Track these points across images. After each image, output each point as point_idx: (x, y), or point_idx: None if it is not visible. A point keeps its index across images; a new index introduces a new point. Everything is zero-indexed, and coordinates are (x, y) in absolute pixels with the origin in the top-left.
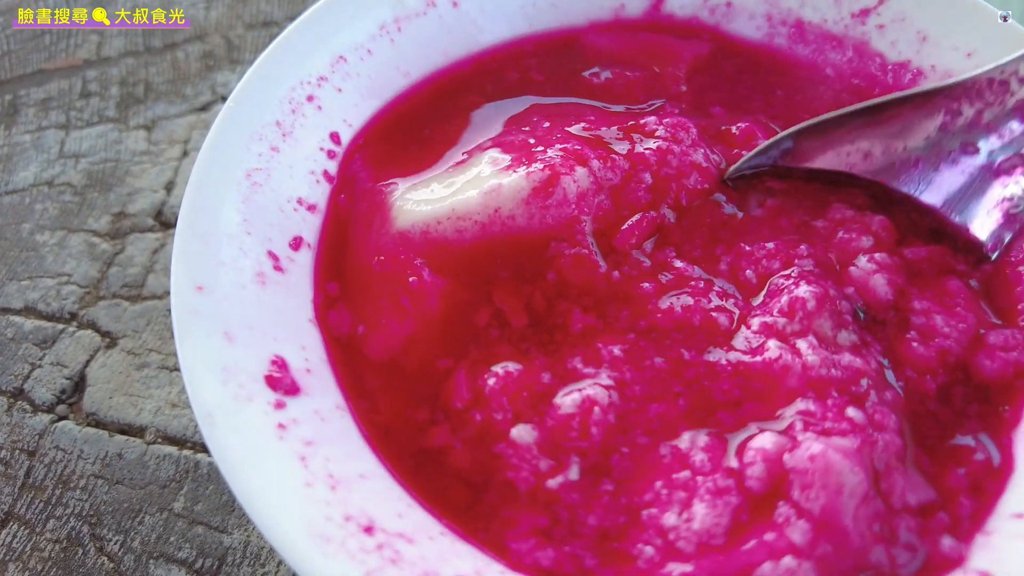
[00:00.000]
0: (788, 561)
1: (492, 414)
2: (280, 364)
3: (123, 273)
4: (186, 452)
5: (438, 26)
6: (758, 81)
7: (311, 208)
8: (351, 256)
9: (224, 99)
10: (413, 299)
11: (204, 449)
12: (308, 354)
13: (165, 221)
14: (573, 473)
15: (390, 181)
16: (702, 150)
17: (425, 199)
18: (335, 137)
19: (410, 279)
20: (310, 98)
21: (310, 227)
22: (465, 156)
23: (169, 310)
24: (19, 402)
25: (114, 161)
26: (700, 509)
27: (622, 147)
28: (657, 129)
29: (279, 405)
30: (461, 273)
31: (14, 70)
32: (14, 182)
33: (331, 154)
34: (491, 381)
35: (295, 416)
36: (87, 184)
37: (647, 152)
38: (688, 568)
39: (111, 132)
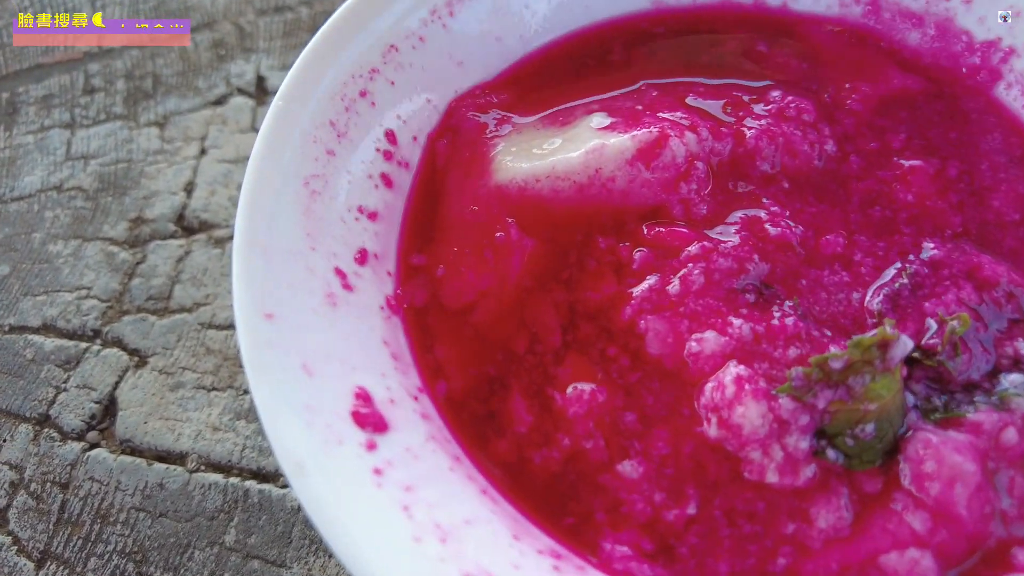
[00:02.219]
0: (912, 552)
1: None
2: (364, 397)
3: (147, 284)
4: (233, 480)
5: (491, 10)
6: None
7: (372, 216)
8: (445, 202)
9: (240, 91)
10: (497, 254)
11: (253, 476)
12: (388, 381)
13: (188, 226)
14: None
15: (495, 134)
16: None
17: (526, 155)
18: (391, 136)
19: (497, 234)
20: (363, 93)
21: (372, 236)
22: (570, 118)
23: (201, 324)
24: (46, 429)
25: (126, 162)
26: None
27: (729, 119)
28: (769, 107)
29: (371, 446)
30: (549, 237)
31: (10, 65)
32: (20, 188)
33: (388, 155)
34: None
35: (389, 457)
36: (99, 188)
37: (753, 128)
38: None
39: (120, 130)
